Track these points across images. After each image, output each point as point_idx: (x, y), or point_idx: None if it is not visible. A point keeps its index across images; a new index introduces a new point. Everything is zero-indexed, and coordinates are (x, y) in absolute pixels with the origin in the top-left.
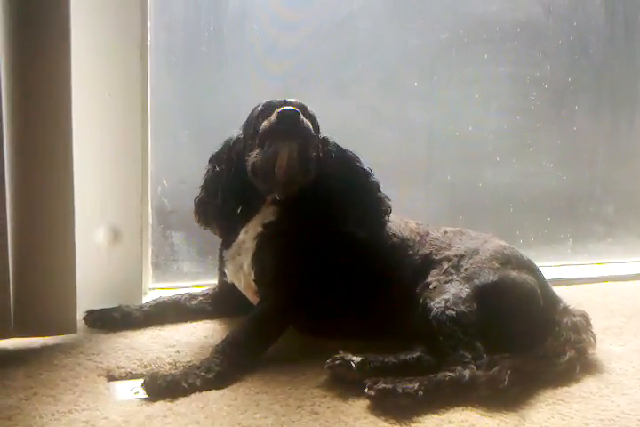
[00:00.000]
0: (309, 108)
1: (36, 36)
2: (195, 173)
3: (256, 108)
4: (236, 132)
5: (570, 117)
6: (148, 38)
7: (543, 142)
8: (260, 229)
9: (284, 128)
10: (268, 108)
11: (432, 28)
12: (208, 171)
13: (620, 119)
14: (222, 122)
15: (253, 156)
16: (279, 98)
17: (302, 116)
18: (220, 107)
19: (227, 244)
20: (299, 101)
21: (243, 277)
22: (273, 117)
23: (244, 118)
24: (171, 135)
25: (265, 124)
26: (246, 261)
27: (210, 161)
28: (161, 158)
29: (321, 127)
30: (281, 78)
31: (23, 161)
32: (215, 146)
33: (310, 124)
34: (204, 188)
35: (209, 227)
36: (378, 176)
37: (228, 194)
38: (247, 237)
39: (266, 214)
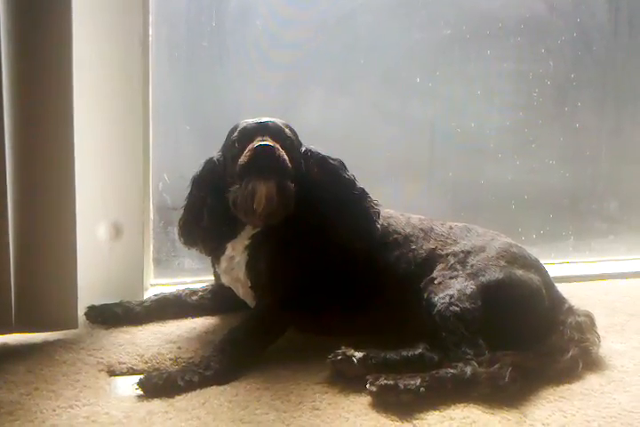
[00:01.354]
0: (287, 126)
1: (38, 32)
2: (196, 168)
3: (232, 132)
4: (216, 153)
5: (573, 114)
6: (150, 33)
7: (545, 139)
8: (247, 241)
9: (260, 166)
10: (244, 135)
11: (435, 23)
12: (191, 193)
13: (624, 116)
14: (224, 117)
15: (233, 191)
16: (255, 118)
17: (278, 151)
18: (222, 102)
19: (216, 260)
20: (276, 122)
21: (240, 286)
22: (248, 154)
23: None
24: (172, 131)
25: (242, 159)
26: (241, 272)
27: (192, 183)
28: (162, 154)
29: (323, 123)
30: (282, 74)
31: (24, 157)
32: (216, 142)
33: (286, 158)
34: (189, 210)
35: (195, 247)
36: (379, 172)
37: (214, 216)
38: (236, 252)
39: (251, 229)
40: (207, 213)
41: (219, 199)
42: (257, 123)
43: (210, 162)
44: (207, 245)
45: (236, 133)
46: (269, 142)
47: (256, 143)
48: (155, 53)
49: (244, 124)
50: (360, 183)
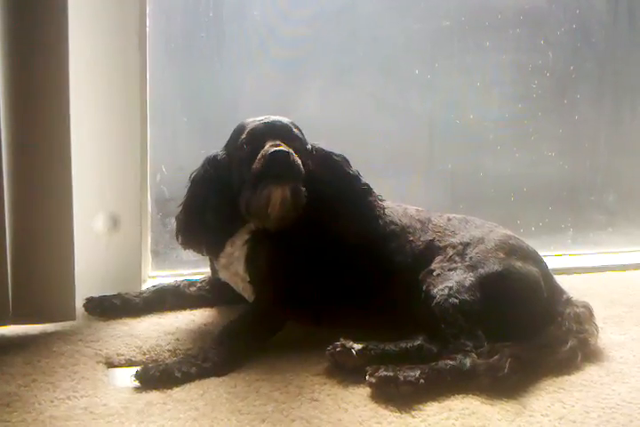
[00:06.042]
0: (294, 125)
1: (34, 23)
2: (194, 160)
3: (239, 132)
4: (216, 151)
5: (572, 106)
6: (147, 24)
7: (545, 131)
8: (247, 236)
9: (276, 172)
10: (254, 137)
11: (433, 15)
12: (191, 192)
13: (622, 108)
14: (221, 109)
15: (246, 196)
16: (259, 115)
17: (292, 156)
18: (220, 94)
19: (215, 257)
20: (283, 122)
21: (240, 281)
22: (262, 160)
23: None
24: (169, 122)
25: (256, 165)
26: (240, 266)
27: (193, 182)
28: (160, 146)
29: (321, 115)
30: (280, 65)
31: (21, 149)
32: (214, 134)
33: (300, 162)
34: (189, 210)
35: (195, 247)
36: (378, 165)
37: (217, 216)
38: (235, 248)
39: (251, 225)
40: (210, 213)
41: (222, 199)
42: (265, 123)
43: (212, 161)
44: (209, 244)
45: (244, 135)
46: (284, 148)
47: (270, 149)
48: (152, 44)
49: (252, 126)
50: (364, 179)
